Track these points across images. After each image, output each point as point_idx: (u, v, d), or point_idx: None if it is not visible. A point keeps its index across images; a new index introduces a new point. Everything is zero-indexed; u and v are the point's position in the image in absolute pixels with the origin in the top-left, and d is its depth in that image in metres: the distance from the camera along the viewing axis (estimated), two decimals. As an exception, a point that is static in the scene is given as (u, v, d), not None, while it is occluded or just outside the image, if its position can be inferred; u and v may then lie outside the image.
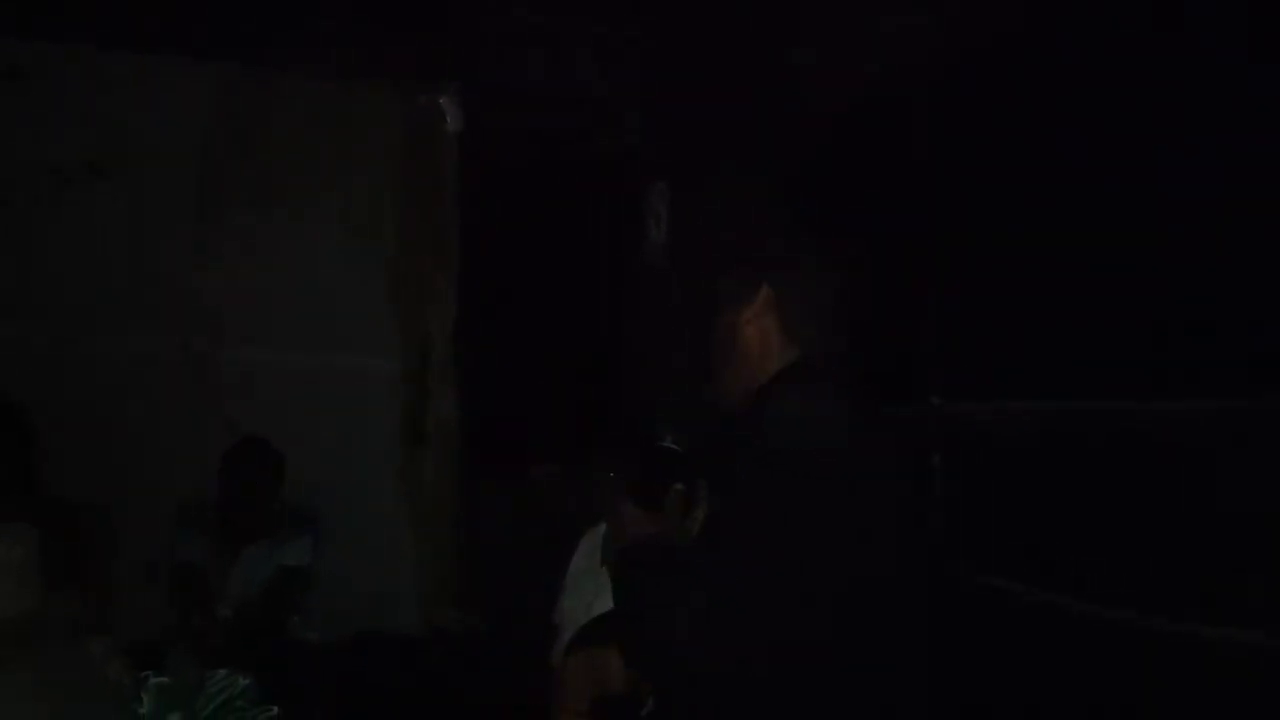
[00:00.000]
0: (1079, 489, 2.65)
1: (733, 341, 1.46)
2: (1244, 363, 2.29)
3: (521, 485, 4.35)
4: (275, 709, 1.82)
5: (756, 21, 4.19)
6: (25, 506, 2.80)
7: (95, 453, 3.73)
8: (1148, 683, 2.44)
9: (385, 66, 4.32)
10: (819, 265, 1.48)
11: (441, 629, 4.14)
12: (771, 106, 4.17)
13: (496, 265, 4.52)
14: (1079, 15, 2.82)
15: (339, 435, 4.15)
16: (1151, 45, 2.57)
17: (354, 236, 4.32)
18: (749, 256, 1.49)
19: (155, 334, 4.03)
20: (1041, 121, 2.94)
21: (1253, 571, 2.24)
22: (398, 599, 4.19)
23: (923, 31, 3.46)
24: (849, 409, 1.35)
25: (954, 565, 2.86)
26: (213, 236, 4.12)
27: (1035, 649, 2.66)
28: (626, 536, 1.41)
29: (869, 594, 1.24)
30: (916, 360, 3.34)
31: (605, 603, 2.98)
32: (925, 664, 1.30)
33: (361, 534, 3.99)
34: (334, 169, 4.28)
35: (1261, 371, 2.23)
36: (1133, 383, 2.58)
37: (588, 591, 3.17)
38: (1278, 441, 2.20)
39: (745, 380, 1.46)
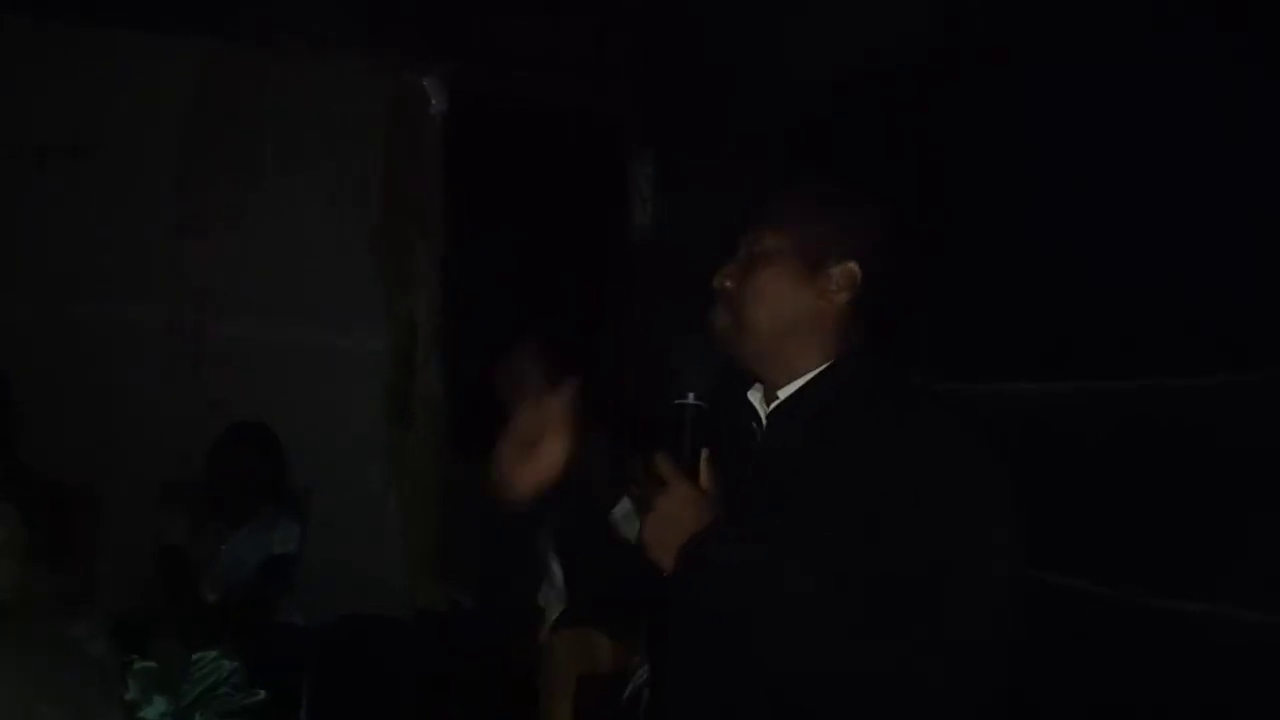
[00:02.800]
0: (1066, 471, 2.65)
1: (792, 312, 1.42)
2: (1241, 338, 2.29)
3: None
4: (262, 693, 1.80)
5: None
6: (9, 483, 2.78)
7: (79, 427, 3.72)
8: (1131, 660, 2.46)
9: (371, 40, 4.27)
10: (904, 247, 1.47)
11: (427, 609, 4.14)
12: (768, 78, 4.14)
13: (483, 241, 4.48)
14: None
15: (323, 412, 4.13)
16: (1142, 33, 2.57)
17: (339, 212, 4.29)
18: (833, 227, 1.43)
19: (140, 308, 4.00)
20: (1032, 102, 2.93)
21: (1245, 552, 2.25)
22: (383, 579, 4.18)
23: (920, 13, 3.43)
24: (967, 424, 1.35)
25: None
26: (197, 212, 4.08)
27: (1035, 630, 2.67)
28: (688, 521, 1.33)
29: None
30: (903, 338, 3.32)
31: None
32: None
33: (346, 513, 3.99)
34: (319, 144, 4.25)
35: (1257, 346, 2.23)
36: (1125, 362, 2.58)
37: (574, 572, 3.17)
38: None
39: (789, 352, 1.43)
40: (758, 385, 1.49)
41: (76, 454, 3.54)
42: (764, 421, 1.46)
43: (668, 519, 1.31)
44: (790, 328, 1.42)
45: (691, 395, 1.38)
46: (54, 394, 3.65)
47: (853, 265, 1.42)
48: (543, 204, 4.57)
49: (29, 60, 3.90)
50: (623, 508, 3.21)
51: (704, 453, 1.37)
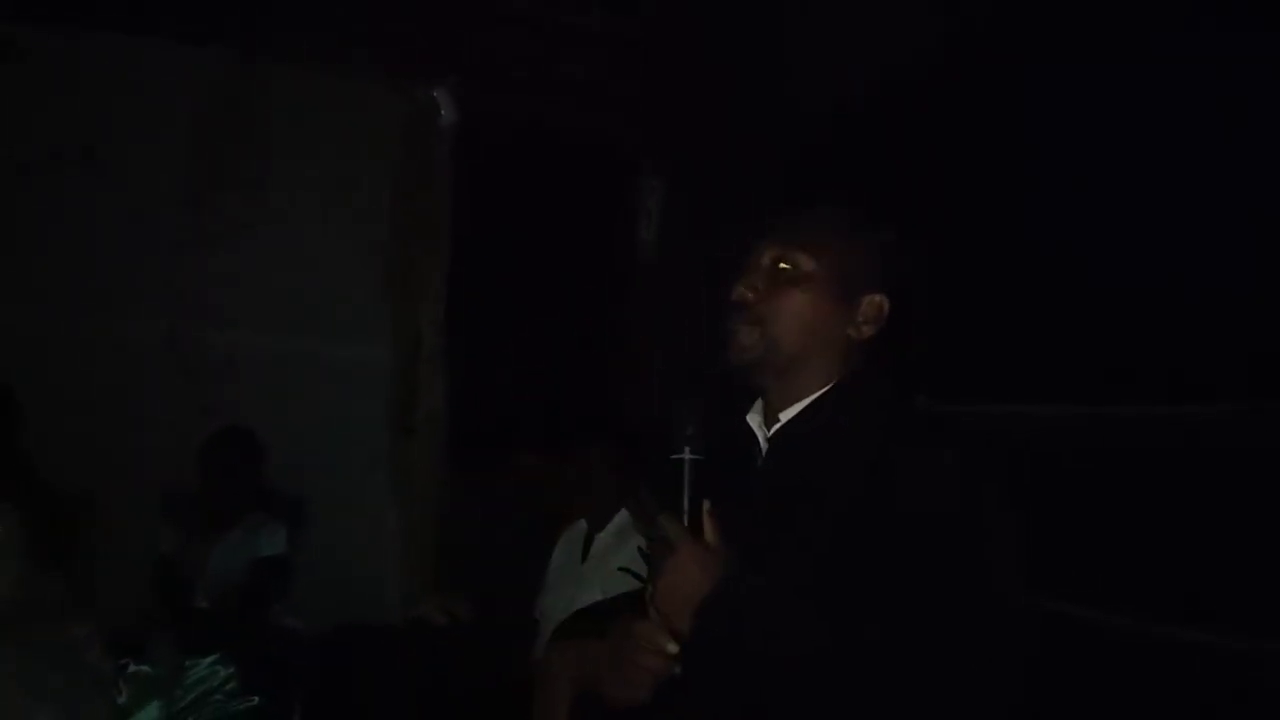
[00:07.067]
0: (1064, 494, 2.65)
1: (820, 337, 1.43)
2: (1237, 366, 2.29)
3: (507, 477, 4.34)
4: (255, 699, 1.80)
5: (755, 12, 4.17)
6: (8, 489, 2.78)
7: (81, 437, 3.72)
8: (1119, 682, 2.46)
9: (381, 56, 4.30)
10: (924, 280, 1.49)
11: (424, 619, 4.14)
12: (770, 99, 4.16)
13: (488, 256, 4.50)
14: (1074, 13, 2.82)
15: (327, 424, 4.14)
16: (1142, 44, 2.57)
17: (346, 225, 4.31)
18: (867, 257, 1.45)
19: (144, 319, 4.01)
20: (1032, 120, 2.94)
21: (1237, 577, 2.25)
22: (381, 588, 4.18)
23: (916, 28, 3.45)
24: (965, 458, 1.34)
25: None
26: (204, 223, 4.10)
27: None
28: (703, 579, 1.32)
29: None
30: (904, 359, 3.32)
31: (587, 597, 2.99)
32: None
33: (347, 523, 4.00)
34: (328, 157, 4.27)
35: (1252, 375, 2.23)
36: (1121, 387, 2.58)
37: (569, 586, 3.17)
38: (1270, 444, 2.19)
39: (805, 375, 1.43)
40: (757, 407, 1.49)
41: (79, 463, 3.54)
42: (764, 443, 1.46)
43: (679, 582, 1.30)
44: (814, 351, 1.43)
45: (688, 449, 1.38)
46: (57, 403, 3.66)
47: (881, 299, 1.44)
48: (549, 220, 4.59)
49: (35, 68, 3.92)
50: (617, 522, 3.21)
51: (705, 504, 1.36)
